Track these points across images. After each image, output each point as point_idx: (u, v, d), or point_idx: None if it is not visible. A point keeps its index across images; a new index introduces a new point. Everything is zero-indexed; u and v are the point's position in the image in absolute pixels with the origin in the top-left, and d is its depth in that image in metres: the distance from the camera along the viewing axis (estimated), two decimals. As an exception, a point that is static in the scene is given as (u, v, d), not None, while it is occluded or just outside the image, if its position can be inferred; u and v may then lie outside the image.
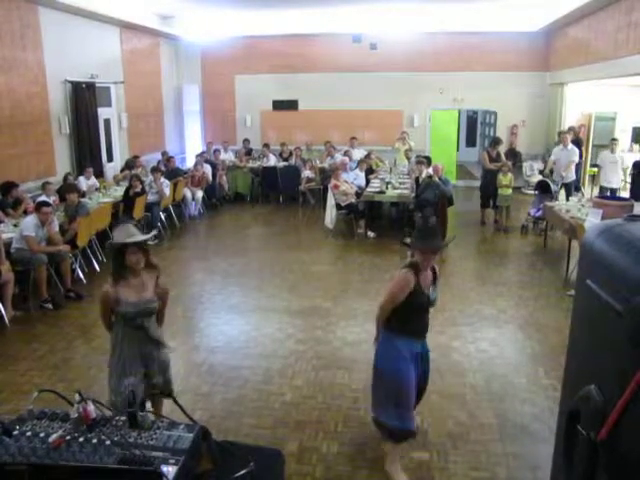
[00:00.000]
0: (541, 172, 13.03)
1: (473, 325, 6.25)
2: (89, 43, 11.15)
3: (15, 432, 2.05)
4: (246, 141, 14.68)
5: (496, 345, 5.76)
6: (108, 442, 1.98)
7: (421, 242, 3.55)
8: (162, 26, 13.50)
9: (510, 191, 10.29)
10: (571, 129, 12.15)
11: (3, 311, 6.28)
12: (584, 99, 13.23)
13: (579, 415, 1.92)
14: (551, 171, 10.90)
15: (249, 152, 14.43)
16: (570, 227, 7.66)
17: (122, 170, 11.27)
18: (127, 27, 12.45)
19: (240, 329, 6.26)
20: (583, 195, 10.22)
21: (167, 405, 3.91)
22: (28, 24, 9.40)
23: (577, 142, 11.71)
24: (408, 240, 3.84)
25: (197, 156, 12.91)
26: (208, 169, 12.45)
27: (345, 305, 6.87)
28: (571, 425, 1.95)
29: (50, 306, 6.81)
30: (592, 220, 7.03)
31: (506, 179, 10.21)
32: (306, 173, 12.76)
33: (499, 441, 4.13)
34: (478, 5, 12.15)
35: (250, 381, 5.05)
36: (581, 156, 11.60)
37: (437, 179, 9.56)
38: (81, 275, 7.82)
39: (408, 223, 10.07)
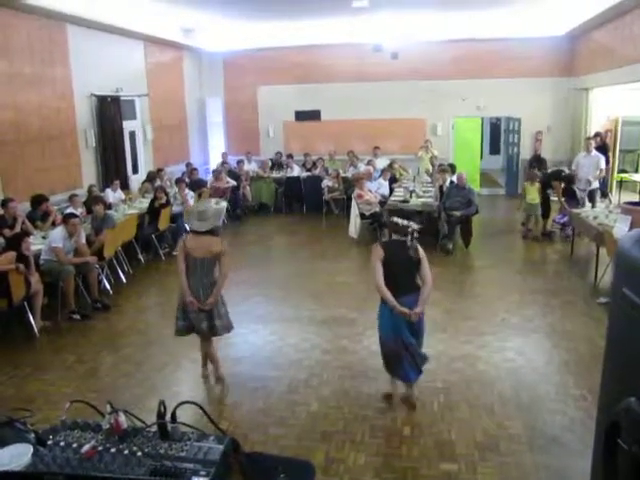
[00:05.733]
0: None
1: (499, 334, 6.17)
2: (114, 57, 11.36)
3: (49, 442, 2.08)
4: (278, 154, 14.71)
5: (523, 354, 5.67)
6: (139, 453, 1.99)
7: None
8: (185, 39, 13.68)
9: (537, 200, 10.15)
10: (597, 135, 11.97)
11: (33, 321, 6.37)
12: (610, 104, 13.03)
13: (619, 428, 1.87)
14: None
15: (275, 164, 14.36)
16: (598, 234, 7.55)
17: (143, 183, 11.40)
18: (151, 41, 12.64)
19: (265, 339, 6.26)
20: (611, 201, 10.06)
21: (194, 415, 3.93)
22: (57, 41, 9.62)
23: (603, 148, 11.52)
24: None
25: (215, 170, 13.03)
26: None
27: (370, 315, 6.76)
28: (611, 438, 1.89)
29: (78, 317, 6.89)
30: (620, 226, 6.92)
31: (533, 188, 10.11)
32: (325, 182, 12.78)
33: (528, 452, 4.06)
34: (501, 11, 12.08)
35: (276, 391, 5.04)
36: (607, 162, 11.42)
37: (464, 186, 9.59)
38: (107, 286, 7.91)
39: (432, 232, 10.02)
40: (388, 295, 4.39)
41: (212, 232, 5.07)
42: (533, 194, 10.17)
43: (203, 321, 5.01)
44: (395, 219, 4.62)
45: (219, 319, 5.06)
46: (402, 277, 4.49)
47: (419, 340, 4.63)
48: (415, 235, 4.51)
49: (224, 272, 5.06)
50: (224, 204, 8.65)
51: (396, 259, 4.47)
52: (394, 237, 4.60)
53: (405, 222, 4.54)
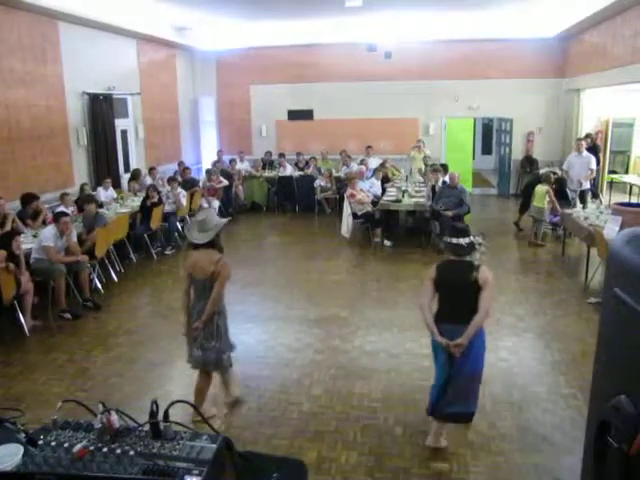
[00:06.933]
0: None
1: (492, 334, 6.13)
2: (106, 56, 11.31)
3: (40, 442, 2.07)
4: (268, 153, 14.68)
5: (515, 354, 5.70)
6: (132, 453, 1.98)
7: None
8: (178, 37, 13.64)
9: (544, 204, 9.65)
10: (588, 136, 12.03)
11: (23, 321, 6.33)
12: (601, 105, 13.11)
13: (609, 426, 1.88)
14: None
15: (266, 164, 14.35)
16: (589, 234, 7.59)
17: (129, 182, 11.34)
18: (144, 39, 12.59)
19: (258, 339, 6.26)
20: (601, 202, 10.10)
21: (187, 415, 3.92)
22: (48, 39, 9.56)
23: (594, 149, 11.58)
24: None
25: (208, 170, 12.98)
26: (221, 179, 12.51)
27: (362, 314, 6.85)
28: (601, 436, 1.91)
29: (69, 316, 6.86)
30: (611, 227, 6.97)
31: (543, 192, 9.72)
32: (317, 182, 12.78)
33: (520, 451, 4.08)
34: (493, 12, 12.13)
35: (268, 391, 5.04)
36: (598, 162, 11.48)
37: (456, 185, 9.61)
38: (99, 285, 7.88)
39: (424, 231, 10.07)
40: (427, 316, 3.97)
41: (214, 246, 4.37)
42: (544, 198, 9.63)
43: (192, 349, 4.45)
44: (452, 240, 3.98)
45: (201, 351, 4.40)
46: (452, 302, 3.99)
47: (457, 382, 3.98)
48: (483, 250, 4.00)
49: (214, 296, 4.29)
50: (216, 204, 8.46)
51: (448, 281, 3.98)
52: (452, 257, 4.04)
53: (467, 240, 3.95)
